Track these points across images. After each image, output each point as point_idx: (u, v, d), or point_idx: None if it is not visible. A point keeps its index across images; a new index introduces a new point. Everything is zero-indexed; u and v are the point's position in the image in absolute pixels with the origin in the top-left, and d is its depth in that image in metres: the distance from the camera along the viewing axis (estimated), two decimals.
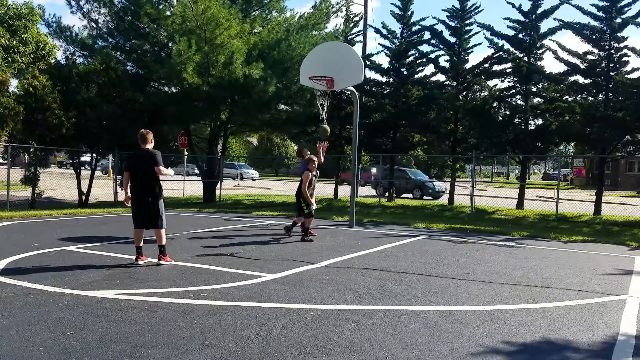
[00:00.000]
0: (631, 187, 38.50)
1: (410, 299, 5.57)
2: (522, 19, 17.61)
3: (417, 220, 14.03)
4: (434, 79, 20.15)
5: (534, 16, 17.39)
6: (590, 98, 16.76)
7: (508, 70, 18.11)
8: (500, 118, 18.33)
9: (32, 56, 20.57)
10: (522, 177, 19.45)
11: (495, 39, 18.00)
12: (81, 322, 4.41)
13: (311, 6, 21.85)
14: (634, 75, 15.52)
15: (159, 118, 17.22)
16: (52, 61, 19.73)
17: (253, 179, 43.35)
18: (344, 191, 21.28)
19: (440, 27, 19.66)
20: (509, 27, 17.84)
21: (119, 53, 18.39)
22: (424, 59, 19.86)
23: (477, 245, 10.00)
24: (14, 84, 18.40)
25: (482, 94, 19.34)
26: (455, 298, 5.69)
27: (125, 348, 3.86)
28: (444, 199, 20.88)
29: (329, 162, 22.16)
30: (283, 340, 4.13)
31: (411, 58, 20.19)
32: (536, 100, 18.38)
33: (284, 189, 28.26)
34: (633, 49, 15.53)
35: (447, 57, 19.03)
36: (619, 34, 15.66)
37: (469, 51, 19.14)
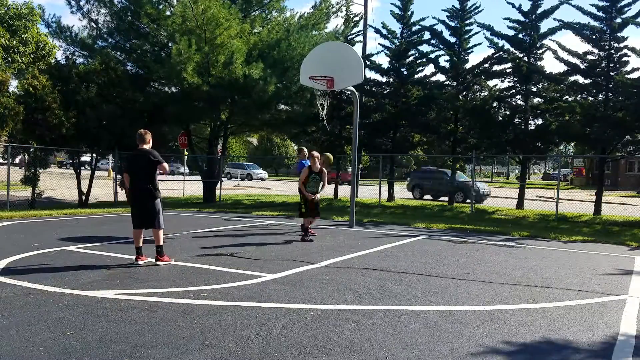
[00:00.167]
0: (631, 187, 38.52)
1: (410, 299, 5.57)
2: (522, 19, 17.61)
3: (417, 220, 14.03)
4: (434, 79, 20.18)
5: (534, 16, 17.39)
6: (590, 98, 16.77)
7: (508, 70, 18.11)
8: (500, 118, 18.34)
9: (32, 56, 20.59)
10: (522, 177, 19.45)
11: (495, 39, 18.02)
12: (81, 322, 4.41)
13: (311, 6, 21.87)
14: (634, 75, 15.53)
15: (159, 118, 17.23)
16: (52, 61, 19.74)
17: (262, 180, 42.80)
18: (344, 191, 21.29)
19: (440, 27, 19.71)
20: (509, 27, 17.87)
21: (118, 53, 18.40)
22: (424, 59, 19.86)
23: (477, 245, 10.00)
24: (14, 84, 18.41)
25: (482, 94, 19.35)
26: (455, 298, 5.69)
27: (125, 348, 3.86)
28: (443, 199, 20.89)
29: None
30: (283, 340, 4.13)
31: (411, 58, 20.21)
32: (536, 100, 18.39)
33: (284, 189, 28.28)
34: (633, 49, 15.53)
35: (447, 57, 19.04)
36: (619, 34, 15.67)
37: (469, 51, 19.14)
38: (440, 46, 19.31)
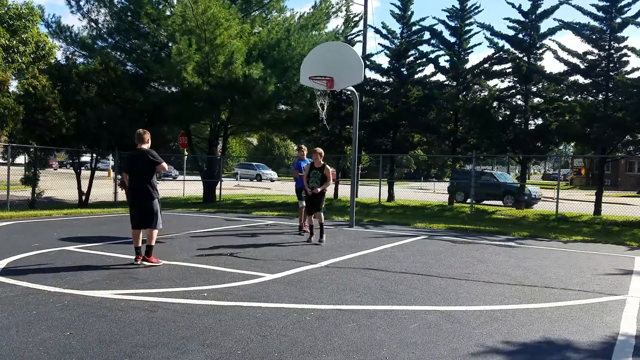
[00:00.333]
0: (631, 187, 38.51)
1: (410, 299, 5.57)
2: (522, 19, 17.62)
3: (417, 220, 14.03)
4: (434, 79, 20.20)
5: (534, 16, 17.40)
6: (590, 98, 16.77)
7: (508, 70, 18.13)
8: (500, 118, 18.35)
9: (32, 56, 20.59)
10: (522, 177, 19.45)
11: (495, 39, 18.03)
12: (81, 322, 4.41)
13: (311, 6, 21.86)
14: (634, 75, 15.53)
15: (159, 118, 17.23)
16: (52, 61, 19.74)
17: (272, 180, 41.90)
18: (344, 191, 21.28)
19: (440, 27, 19.72)
20: (509, 27, 17.88)
21: (118, 53, 18.41)
22: (424, 59, 19.88)
23: (477, 245, 10.00)
24: (14, 84, 18.41)
25: (482, 94, 19.36)
26: (455, 298, 5.69)
27: (125, 348, 3.86)
28: (443, 199, 20.89)
29: (329, 162, 22.16)
30: (283, 340, 4.13)
31: (411, 58, 20.22)
32: (536, 100, 18.40)
33: (284, 189, 28.28)
34: (633, 49, 15.53)
35: (447, 57, 19.06)
36: (619, 34, 15.67)
37: (469, 51, 19.16)
38: (440, 46, 19.33)
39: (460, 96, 18.89)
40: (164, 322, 4.48)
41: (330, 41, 16.79)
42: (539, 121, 18.36)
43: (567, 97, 17.47)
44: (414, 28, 20.07)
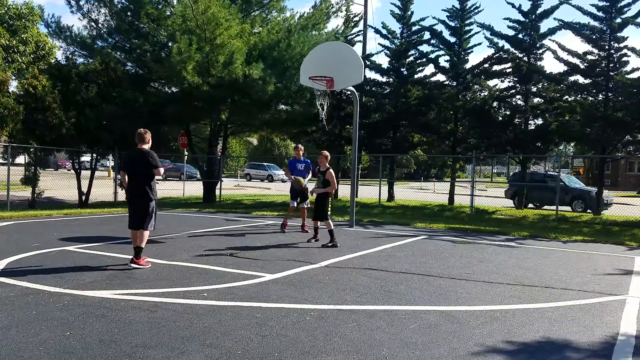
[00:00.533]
0: (631, 187, 38.52)
1: (410, 299, 5.57)
2: (522, 19, 17.62)
3: (417, 220, 14.03)
4: (434, 79, 20.19)
5: (534, 16, 17.40)
6: (590, 98, 16.76)
7: (508, 70, 18.12)
8: (500, 118, 18.35)
9: (32, 56, 20.62)
10: (522, 177, 19.44)
11: (495, 39, 18.03)
12: (81, 322, 4.41)
13: (311, 6, 21.85)
14: (634, 75, 15.52)
15: (159, 118, 17.22)
16: (52, 61, 19.75)
17: (283, 181, 40.60)
18: (344, 191, 21.29)
19: (440, 27, 19.76)
20: (509, 27, 17.88)
21: (119, 53, 18.41)
22: (424, 59, 19.88)
23: (477, 245, 10.00)
24: (14, 84, 18.42)
25: (482, 94, 19.35)
26: (455, 298, 5.69)
27: (125, 348, 3.86)
28: (443, 199, 20.88)
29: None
30: (283, 340, 4.13)
31: (411, 58, 20.23)
32: (536, 100, 18.40)
33: (285, 189, 28.25)
34: (633, 49, 15.53)
35: (447, 57, 19.05)
36: (619, 34, 15.66)
37: (469, 51, 19.15)
38: (440, 46, 19.32)
39: (460, 96, 18.88)
40: (164, 322, 4.48)
41: (330, 41, 16.78)
42: (539, 121, 18.37)
43: (567, 97, 17.47)
44: (414, 28, 20.07)
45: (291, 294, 5.58)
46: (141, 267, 6.72)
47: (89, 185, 16.95)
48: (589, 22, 16.02)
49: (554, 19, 17.14)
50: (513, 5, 17.60)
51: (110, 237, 9.25)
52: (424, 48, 20.00)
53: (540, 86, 18.37)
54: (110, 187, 18.06)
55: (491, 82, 19.20)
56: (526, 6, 17.42)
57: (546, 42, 18.12)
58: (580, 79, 16.86)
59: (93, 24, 18.18)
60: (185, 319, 4.59)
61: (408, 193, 25.96)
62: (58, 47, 20.63)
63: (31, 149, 15.20)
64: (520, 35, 17.77)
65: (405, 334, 4.39)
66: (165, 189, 23.98)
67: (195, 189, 23.05)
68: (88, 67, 16.41)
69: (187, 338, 4.11)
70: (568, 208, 18.91)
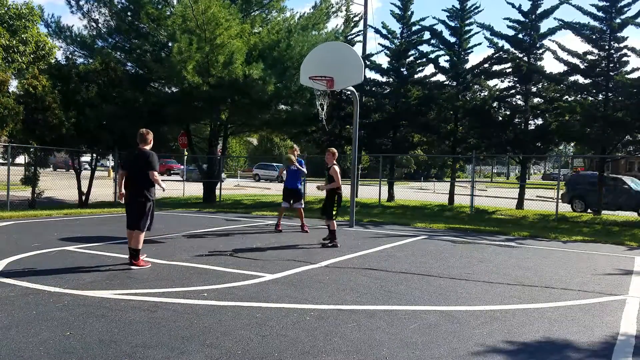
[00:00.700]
0: None
1: (410, 299, 5.57)
2: (522, 19, 17.63)
3: (417, 220, 14.03)
4: (434, 79, 20.19)
5: (533, 16, 17.41)
6: (590, 98, 16.77)
7: (508, 70, 18.13)
8: (500, 118, 18.35)
9: (32, 56, 20.61)
10: (522, 177, 19.45)
11: (495, 39, 18.04)
12: (81, 322, 4.41)
13: (311, 6, 21.87)
14: (634, 75, 15.52)
15: (158, 118, 17.22)
16: (52, 61, 19.74)
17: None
18: (344, 191, 21.24)
19: (440, 27, 19.72)
20: (508, 27, 17.89)
21: (119, 53, 18.42)
22: (424, 59, 19.88)
23: (477, 245, 10.00)
24: (14, 84, 18.41)
25: (482, 94, 19.35)
26: (455, 298, 5.69)
27: (125, 348, 3.86)
28: (443, 199, 20.88)
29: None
30: (283, 340, 4.13)
31: (411, 58, 20.23)
32: (536, 100, 18.40)
33: None
34: (633, 49, 15.53)
35: (447, 57, 19.06)
36: (618, 34, 15.67)
37: (469, 51, 19.16)
38: (440, 46, 19.33)
39: (460, 96, 18.88)
40: (164, 322, 4.48)
41: (330, 41, 16.79)
42: (539, 121, 18.37)
43: (567, 97, 17.47)
44: (414, 28, 20.07)
45: (291, 294, 5.58)
46: (141, 267, 6.71)
47: (89, 185, 16.95)
48: (589, 22, 16.04)
49: (554, 18, 17.19)
50: (513, 5, 17.60)
51: (110, 237, 9.25)
52: (424, 48, 20.02)
53: (540, 86, 18.38)
54: (110, 187, 18.07)
55: (491, 82, 19.22)
56: (526, 6, 17.45)
57: (546, 42, 18.16)
58: (580, 79, 16.88)
59: (93, 23, 18.20)
60: (185, 319, 4.59)
61: (408, 193, 25.95)
62: (58, 47, 20.63)
63: (31, 149, 15.20)
64: (520, 35, 17.78)
65: (405, 334, 4.39)
66: (165, 188, 23.94)
67: (195, 189, 23.04)
68: (88, 67, 16.41)
69: (187, 338, 4.11)
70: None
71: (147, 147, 6.92)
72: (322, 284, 6.11)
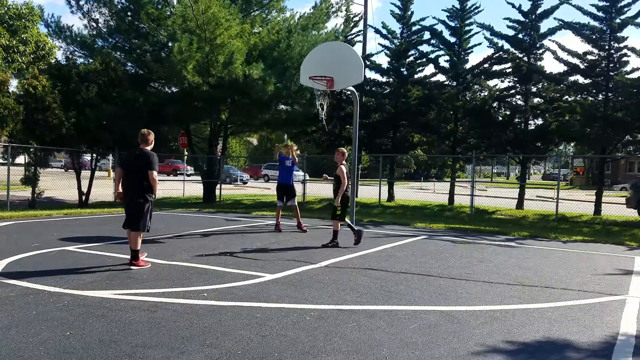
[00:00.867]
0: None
1: (410, 299, 5.57)
2: (522, 19, 17.62)
3: (417, 220, 14.03)
4: (434, 79, 20.18)
5: (533, 16, 17.40)
6: (590, 98, 16.77)
7: (508, 70, 18.12)
8: (500, 118, 18.35)
9: (32, 56, 20.62)
10: (522, 177, 19.45)
11: (495, 39, 18.03)
12: (81, 322, 4.41)
13: (311, 6, 21.87)
14: (634, 75, 15.53)
15: (158, 118, 17.23)
16: (52, 61, 19.75)
17: (302, 182, 39.93)
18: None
19: (440, 27, 19.70)
20: (508, 27, 17.88)
21: (119, 53, 18.42)
22: (424, 59, 19.88)
23: (477, 245, 10.00)
24: (14, 84, 18.42)
25: (482, 94, 19.35)
26: (455, 298, 5.69)
27: (125, 348, 3.86)
28: (443, 199, 20.89)
29: (329, 162, 22.04)
30: (283, 340, 4.13)
31: (411, 58, 20.22)
32: (536, 100, 18.40)
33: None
34: (633, 49, 15.54)
35: (447, 57, 19.05)
36: (618, 34, 15.67)
37: (469, 51, 19.15)
38: (440, 46, 19.32)
39: (460, 96, 18.88)
40: (164, 322, 4.48)
41: (331, 41, 16.79)
42: (539, 121, 18.37)
43: (567, 97, 17.47)
44: (414, 28, 20.07)
45: (291, 294, 5.58)
46: (141, 267, 6.70)
47: (89, 185, 16.95)
48: (589, 22, 16.04)
49: (554, 19, 17.18)
50: (513, 5, 17.60)
51: (110, 237, 9.25)
52: (424, 48, 20.01)
53: (540, 86, 18.37)
54: (110, 187, 18.06)
55: (491, 82, 19.21)
56: (526, 6, 17.44)
57: (546, 42, 18.18)
58: (580, 79, 16.88)
59: (93, 23, 18.20)
60: (185, 319, 4.59)
61: (408, 193, 25.97)
62: (58, 47, 20.64)
63: (31, 149, 15.20)
64: (520, 35, 17.77)
65: (405, 334, 4.39)
66: (165, 188, 23.97)
67: (195, 189, 23.05)
68: (88, 67, 16.41)
69: (187, 338, 4.11)
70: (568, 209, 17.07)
71: (148, 148, 6.89)
72: (322, 284, 6.11)
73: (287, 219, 13.49)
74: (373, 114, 20.42)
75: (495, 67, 18.59)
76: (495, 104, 18.49)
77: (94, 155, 18.16)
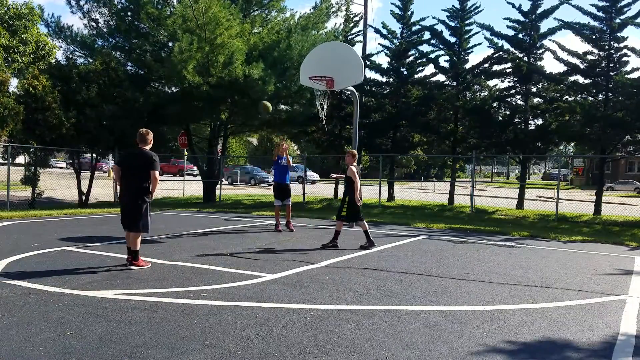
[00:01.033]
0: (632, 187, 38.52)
1: (410, 299, 5.57)
2: (522, 19, 17.63)
3: (417, 220, 14.03)
4: (434, 79, 20.19)
5: (534, 16, 17.41)
6: (590, 98, 16.78)
7: (508, 70, 18.13)
8: (500, 118, 18.35)
9: (32, 56, 20.61)
10: (522, 177, 19.45)
11: (495, 39, 18.04)
12: (81, 322, 4.41)
13: (311, 6, 21.86)
14: (634, 75, 15.55)
15: (158, 118, 17.23)
16: (52, 61, 19.74)
17: (313, 182, 37.61)
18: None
19: (440, 27, 19.71)
20: (508, 27, 17.89)
21: (119, 53, 18.41)
22: (424, 59, 19.88)
23: (477, 245, 10.00)
24: (14, 84, 18.42)
25: (482, 94, 19.36)
26: (455, 298, 5.68)
27: (125, 348, 3.86)
28: (443, 199, 20.90)
29: (329, 162, 22.08)
30: (283, 340, 4.13)
31: (411, 58, 20.23)
32: (536, 100, 18.40)
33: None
34: (633, 49, 15.54)
35: (447, 57, 19.05)
36: (618, 34, 15.68)
37: (469, 51, 19.16)
38: (440, 46, 19.33)
39: (460, 96, 18.88)
40: (164, 322, 4.48)
41: (330, 41, 16.79)
42: (539, 121, 18.37)
43: (567, 97, 17.48)
44: (414, 28, 20.08)
45: (291, 294, 5.58)
46: (141, 267, 6.69)
47: (89, 185, 16.95)
48: (589, 22, 16.05)
49: (554, 19, 17.20)
50: (513, 5, 17.60)
51: (110, 237, 9.25)
52: (424, 48, 20.02)
53: (540, 86, 18.38)
54: (110, 187, 18.07)
55: (491, 82, 19.22)
56: (526, 6, 17.45)
57: (546, 42, 18.20)
58: (580, 79, 16.89)
59: (93, 23, 18.20)
60: (185, 319, 4.59)
61: (408, 193, 25.97)
62: (58, 47, 20.62)
63: (31, 149, 15.20)
64: (520, 35, 17.78)
65: (405, 334, 4.39)
66: (165, 188, 23.99)
67: (195, 189, 23.05)
68: (88, 67, 16.41)
69: (187, 338, 4.11)
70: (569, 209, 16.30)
71: (147, 147, 6.84)
72: (322, 284, 6.11)
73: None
74: (373, 114, 20.42)
75: (495, 67, 18.61)
76: (495, 104, 18.50)
77: (94, 155, 18.16)
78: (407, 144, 20.75)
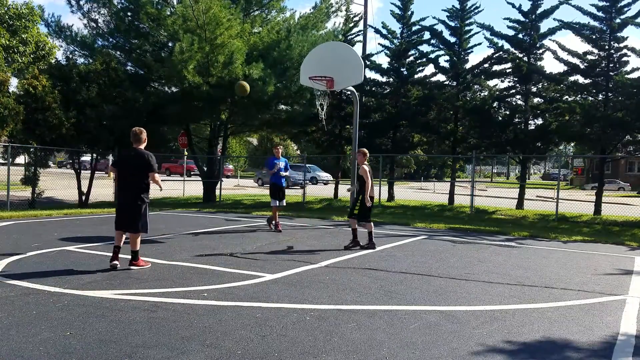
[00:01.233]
0: (631, 186, 38.53)
1: (410, 299, 5.57)
2: (522, 19, 17.63)
3: (417, 220, 14.03)
4: (434, 79, 20.19)
5: (534, 16, 17.41)
6: (590, 98, 16.78)
7: (508, 70, 18.13)
8: (500, 118, 18.35)
9: (32, 56, 20.62)
10: (522, 177, 19.45)
11: (495, 39, 18.04)
12: (81, 322, 4.41)
13: (311, 6, 21.87)
14: (634, 75, 15.55)
15: (158, 118, 17.23)
16: (52, 61, 19.75)
17: (325, 183, 36.41)
18: (344, 191, 21.25)
19: (440, 27, 19.72)
20: (509, 27, 17.89)
21: (119, 53, 18.42)
22: (424, 59, 19.88)
23: (477, 245, 10.00)
24: (14, 84, 18.42)
25: (482, 94, 19.36)
26: (455, 298, 5.68)
27: (125, 348, 3.86)
28: (443, 199, 20.90)
29: (329, 162, 22.06)
30: (283, 340, 4.13)
31: (411, 58, 20.22)
32: (536, 100, 18.40)
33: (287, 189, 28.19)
34: (633, 49, 15.55)
35: (447, 57, 19.05)
36: (618, 34, 15.68)
37: (469, 51, 19.16)
38: (440, 46, 19.33)
39: (460, 96, 18.88)
40: (164, 322, 4.48)
41: (330, 41, 16.79)
42: (539, 121, 18.37)
43: (567, 97, 17.48)
44: (414, 28, 20.08)
45: (291, 294, 5.58)
46: (141, 267, 6.69)
47: (89, 185, 16.95)
48: (589, 22, 16.06)
49: (554, 19, 17.20)
50: (513, 5, 17.60)
51: (110, 237, 9.22)
52: (424, 48, 20.02)
53: (540, 86, 18.38)
54: (110, 187, 18.06)
55: (491, 82, 19.22)
56: (526, 6, 17.45)
57: (546, 42, 18.19)
58: (580, 79, 16.89)
59: (93, 23, 18.20)
60: (185, 319, 4.59)
61: (408, 193, 25.96)
62: (58, 47, 20.65)
63: (31, 149, 15.20)
64: (520, 35, 17.78)
65: (405, 334, 4.39)
66: (165, 188, 23.95)
67: (195, 189, 23.05)
68: (88, 67, 16.41)
69: (187, 338, 4.11)
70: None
71: (142, 147, 6.75)
72: (322, 284, 6.11)
73: (287, 219, 13.49)
74: (373, 114, 20.42)
75: (495, 67, 18.60)
76: (495, 104, 18.50)
77: (94, 155, 18.16)
78: (407, 144, 20.75)
